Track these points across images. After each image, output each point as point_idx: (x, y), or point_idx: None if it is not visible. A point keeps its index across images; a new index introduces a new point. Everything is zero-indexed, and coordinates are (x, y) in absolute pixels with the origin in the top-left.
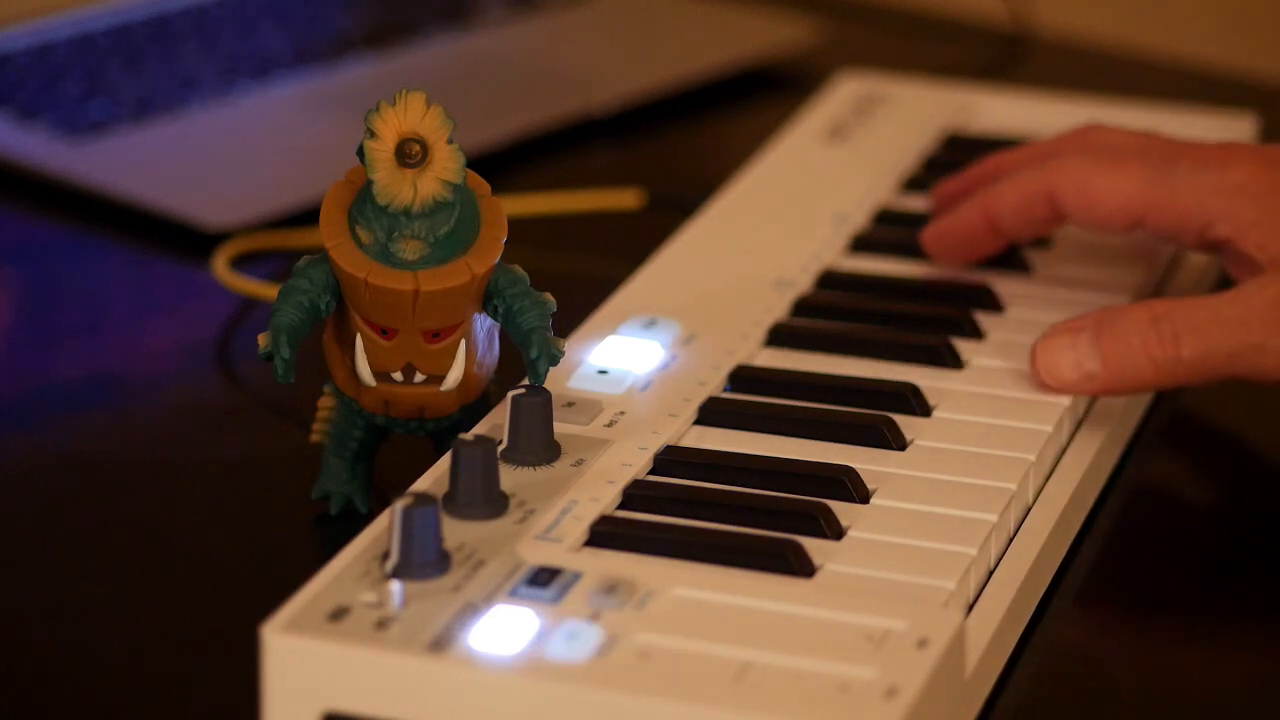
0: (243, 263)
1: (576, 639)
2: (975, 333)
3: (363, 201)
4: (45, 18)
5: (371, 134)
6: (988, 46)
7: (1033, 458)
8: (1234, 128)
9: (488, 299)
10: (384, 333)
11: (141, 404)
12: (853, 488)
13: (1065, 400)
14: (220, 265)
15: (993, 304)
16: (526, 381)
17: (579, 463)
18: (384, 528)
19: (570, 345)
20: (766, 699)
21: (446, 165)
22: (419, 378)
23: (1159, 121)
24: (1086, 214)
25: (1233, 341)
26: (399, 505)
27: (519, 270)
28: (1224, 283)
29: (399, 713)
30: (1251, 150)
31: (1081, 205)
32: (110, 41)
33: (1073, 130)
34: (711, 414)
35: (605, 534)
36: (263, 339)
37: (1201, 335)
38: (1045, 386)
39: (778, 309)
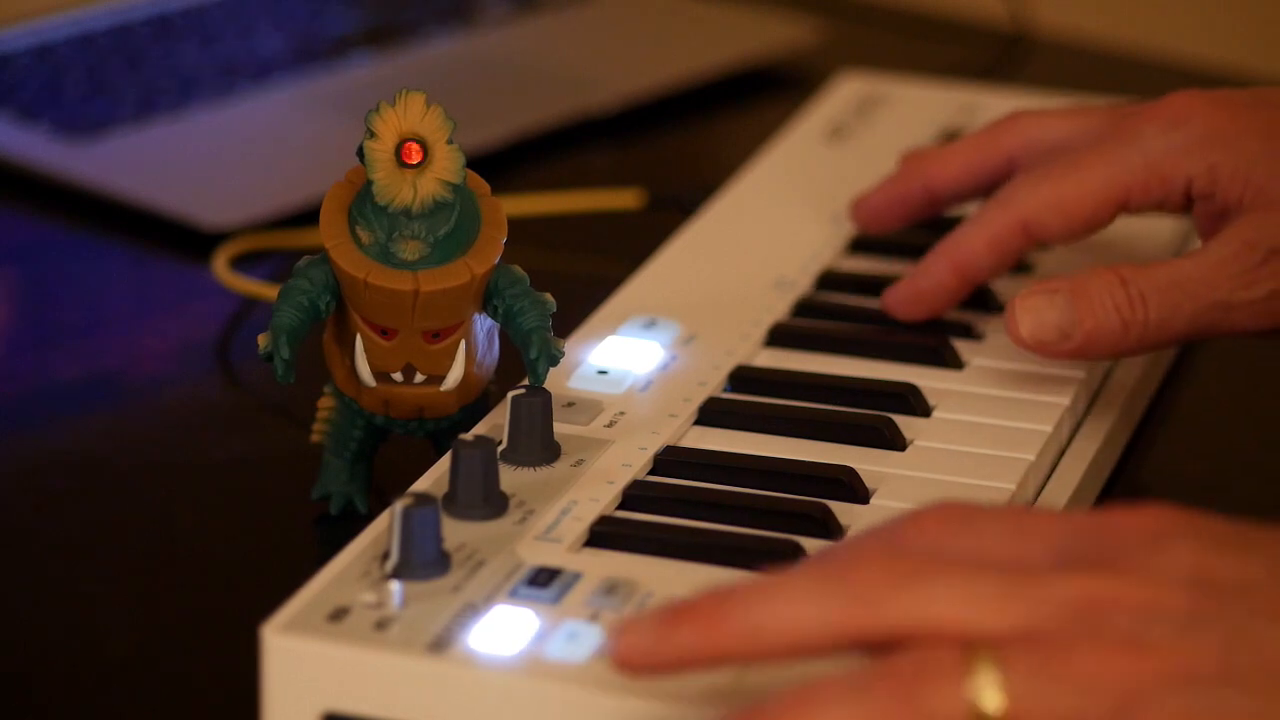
0: (243, 263)
1: (576, 639)
2: (975, 333)
3: (363, 202)
4: (45, 18)
5: (371, 134)
6: (988, 46)
7: (1033, 458)
8: None
9: (487, 299)
10: (384, 333)
11: (141, 404)
12: (853, 488)
13: (1065, 400)
14: (220, 265)
15: (992, 304)
16: (526, 382)
17: (579, 463)
18: (384, 528)
19: (570, 345)
20: None
21: (446, 165)
22: (419, 378)
23: None
24: (1067, 227)
25: (1196, 301)
26: (399, 505)
27: (519, 270)
28: None
29: (399, 713)
30: (1204, 97)
31: (1060, 223)
32: (110, 41)
33: (1001, 121)
34: (711, 414)
35: (605, 534)
36: (263, 339)
37: (1165, 296)
38: (1022, 344)
39: (778, 309)
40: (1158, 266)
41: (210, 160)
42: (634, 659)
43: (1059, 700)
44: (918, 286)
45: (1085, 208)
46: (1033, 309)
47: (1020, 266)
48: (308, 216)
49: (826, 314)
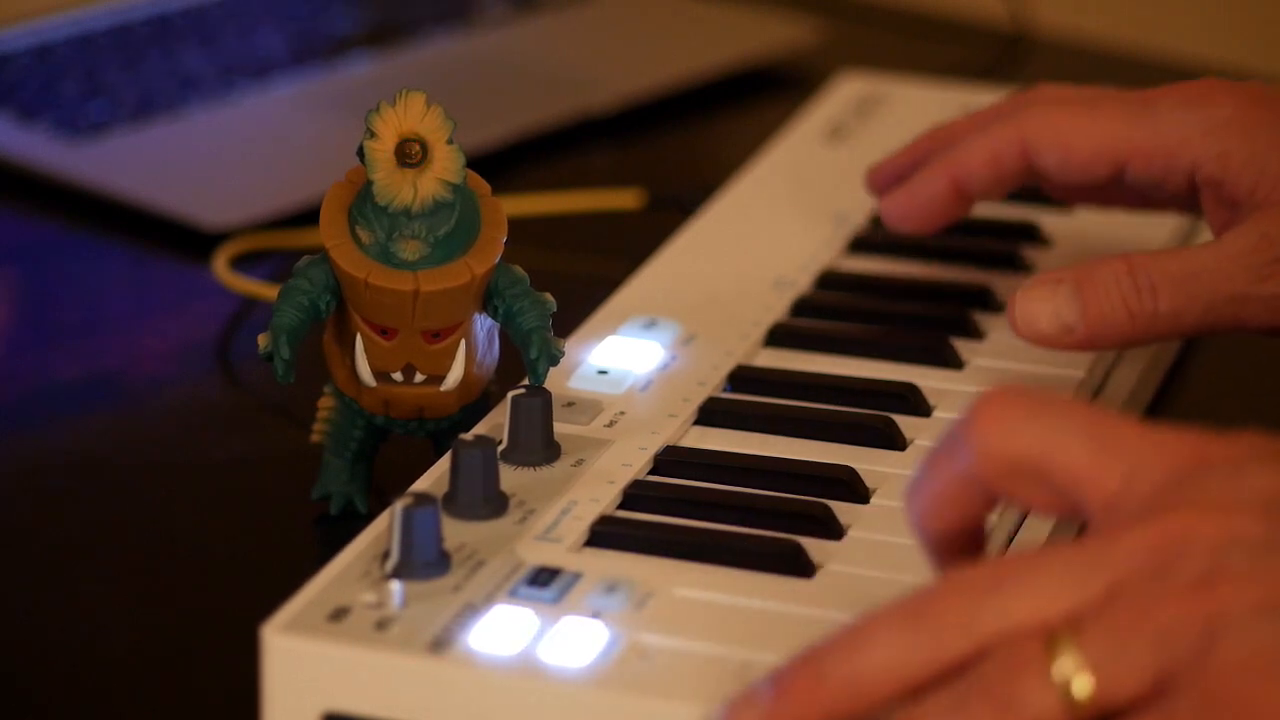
0: (243, 263)
1: (577, 639)
2: (975, 333)
3: (363, 201)
4: (45, 18)
5: (371, 134)
6: (988, 46)
7: None
8: None
9: (488, 299)
10: (384, 333)
11: (141, 404)
12: (853, 488)
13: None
14: (220, 265)
15: (993, 304)
16: (526, 381)
17: (579, 463)
18: (384, 528)
19: (570, 345)
20: None
21: (446, 165)
22: (419, 378)
23: None
24: (1063, 162)
25: (1210, 293)
26: (399, 505)
27: (519, 270)
28: None
29: (399, 713)
30: (1231, 85)
31: (1057, 153)
32: (110, 41)
33: (1028, 90)
34: (711, 414)
35: (605, 534)
36: (263, 339)
37: (1178, 287)
38: (1023, 337)
39: (778, 309)
40: (1170, 255)
41: (210, 160)
42: None
43: (1142, 658)
44: (914, 197)
45: (1084, 153)
46: (1035, 299)
47: (1021, 266)
48: (308, 216)
49: (826, 314)
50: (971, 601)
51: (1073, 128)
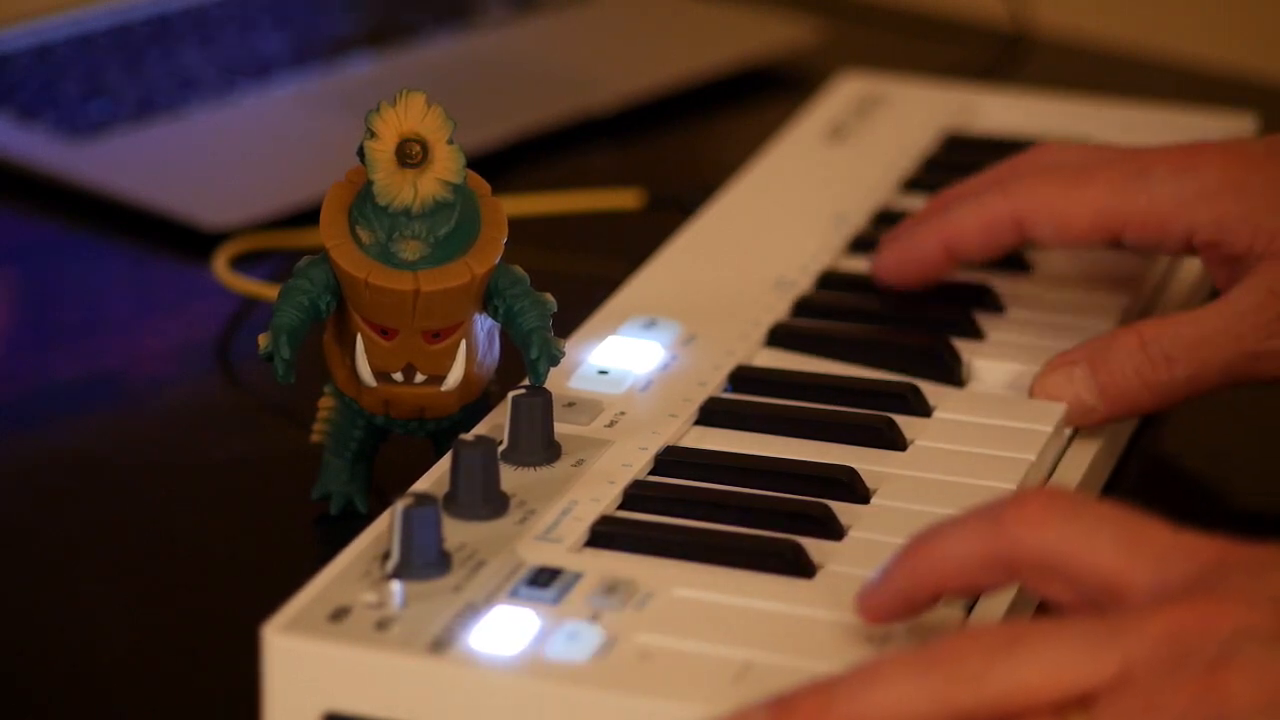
0: (243, 263)
1: (577, 639)
2: (975, 333)
3: (363, 201)
4: (45, 18)
5: (371, 134)
6: (988, 46)
7: (1033, 458)
8: (1234, 128)
9: (488, 299)
10: (384, 333)
11: (141, 404)
12: (853, 488)
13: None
14: (220, 265)
15: (993, 304)
16: (527, 382)
17: (579, 463)
18: (384, 528)
19: (570, 345)
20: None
21: (447, 165)
22: (419, 378)
23: (1159, 121)
24: (1058, 234)
25: (1224, 354)
26: (399, 505)
27: (519, 270)
28: None
29: (399, 713)
30: (1219, 147)
31: (1053, 226)
32: (110, 41)
33: (1024, 152)
34: (712, 414)
35: (605, 534)
36: (263, 339)
37: (1192, 353)
38: None
39: (778, 309)
40: (1181, 321)
41: (210, 160)
42: None
43: None
44: (906, 255)
45: (1079, 226)
46: (1053, 385)
47: (1021, 266)
48: (308, 216)
49: (826, 314)
50: (987, 656)
51: (1066, 200)
